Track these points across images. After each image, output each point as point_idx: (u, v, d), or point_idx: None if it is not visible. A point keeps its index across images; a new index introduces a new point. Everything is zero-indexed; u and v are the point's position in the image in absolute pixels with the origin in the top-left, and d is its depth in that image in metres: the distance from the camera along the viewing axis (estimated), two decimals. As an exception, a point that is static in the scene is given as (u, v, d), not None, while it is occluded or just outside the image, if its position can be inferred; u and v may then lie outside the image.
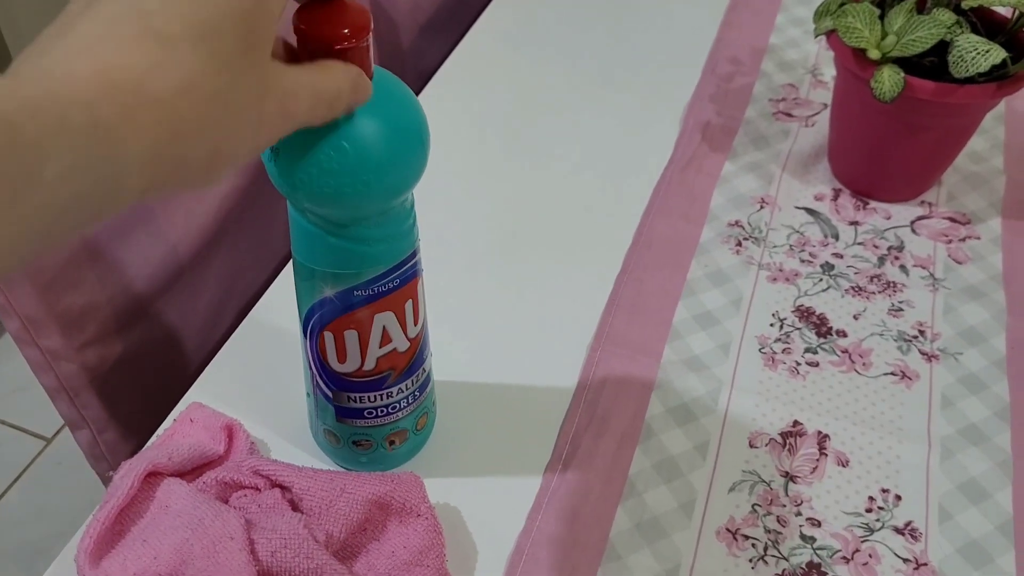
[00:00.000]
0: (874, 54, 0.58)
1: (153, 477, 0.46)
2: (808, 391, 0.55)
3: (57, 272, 0.54)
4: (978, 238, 0.65)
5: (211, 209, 0.65)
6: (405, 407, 0.47)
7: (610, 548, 0.47)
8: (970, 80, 0.58)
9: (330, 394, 0.45)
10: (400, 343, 0.44)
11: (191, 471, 0.47)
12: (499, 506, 0.48)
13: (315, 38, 0.34)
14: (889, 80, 0.57)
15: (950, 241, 0.65)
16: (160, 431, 0.51)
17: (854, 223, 0.66)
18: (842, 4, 0.61)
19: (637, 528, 0.48)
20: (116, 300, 0.58)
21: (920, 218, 0.66)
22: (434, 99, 0.74)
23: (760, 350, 0.57)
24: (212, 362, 0.55)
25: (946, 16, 0.57)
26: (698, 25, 0.83)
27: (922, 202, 0.67)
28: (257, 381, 0.54)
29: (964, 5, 0.57)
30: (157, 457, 0.46)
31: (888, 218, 0.66)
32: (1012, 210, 0.67)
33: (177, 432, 0.50)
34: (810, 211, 0.66)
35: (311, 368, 0.45)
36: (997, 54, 0.55)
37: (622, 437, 0.52)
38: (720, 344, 0.57)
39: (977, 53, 0.55)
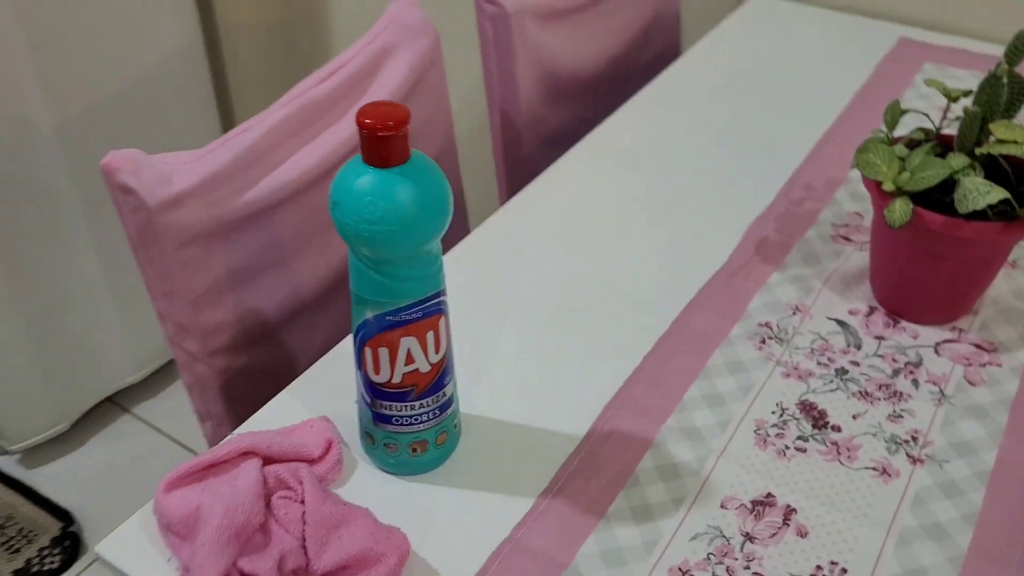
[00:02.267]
0: (888, 187, 0.66)
1: (248, 454, 0.59)
2: (789, 471, 0.62)
3: (204, 291, 0.71)
4: (999, 365, 0.69)
5: (333, 262, 0.81)
6: (426, 421, 0.59)
7: (574, 566, 0.56)
8: (981, 217, 0.64)
9: (369, 400, 0.58)
10: (422, 365, 0.56)
11: (280, 459, 0.60)
12: (493, 517, 0.58)
13: (368, 128, 0.48)
14: (899, 210, 0.65)
15: (969, 364, 0.69)
16: (257, 416, 0.65)
17: (880, 338, 0.72)
18: (883, 144, 0.70)
19: (600, 554, 0.56)
20: (246, 321, 0.74)
21: (946, 341, 0.71)
22: (535, 195, 0.88)
23: (755, 431, 0.64)
24: (307, 372, 0.69)
25: (958, 160, 0.65)
26: (784, 154, 0.93)
27: (953, 327, 0.73)
28: (336, 391, 0.67)
29: (977, 151, 0.65)
30: (259, 443, 0.59)
31: (915, 337, 0.72)
32: (1042, 345, 0.70)
33: (296, 430, 0.62)
34: (840, 322, 0.73)
35: (358, 377, 0.58)
36: (996, 194, 0.61)
37: (609, 481, 0.61)
38: (720, 421, 0.65)
39: (978, 193, 0.62)
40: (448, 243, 0.88)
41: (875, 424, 0.65)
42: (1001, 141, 0.64)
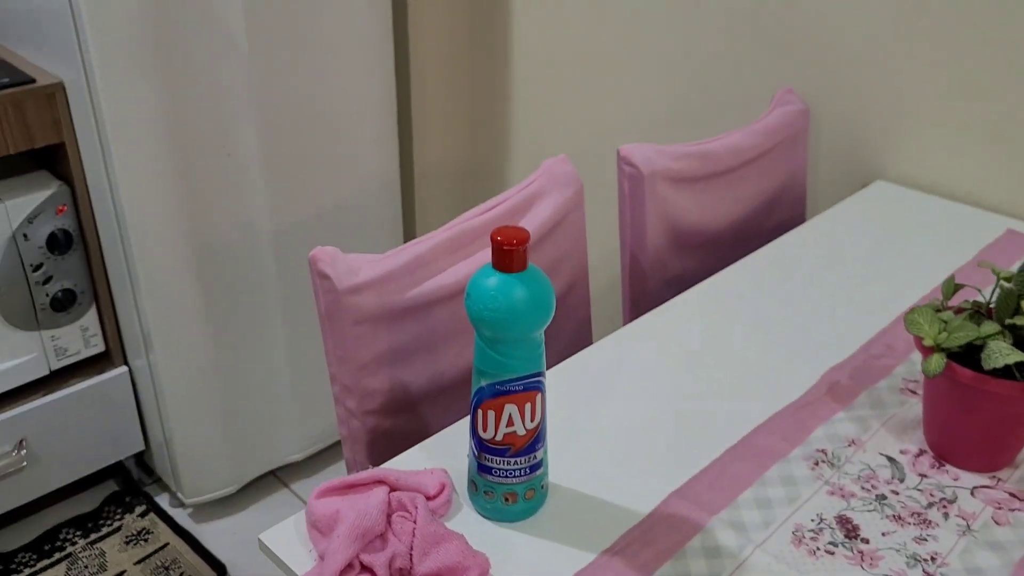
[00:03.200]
0: (927, 342, 0.78)
1: (379, 482, 0.77)
2: (815, 567, 0.73)
3: (368, 362, 0.91)
4: (1029, 513, 0.78)
5: (470, 356, 0.99)
6: (518, 476, 0.74)
7: (618, 608, 0.69)
8: (1009, 377, 0.75)
9: (476, 453, 0.75)
10: (519, 429, 0.72)
11: (403, 490, 0.77)
12: (561, 562, 0.73)
13: (497, 243, 0.67)
14: (935, 363, 0.77)
15: (999, 508, 0.78)
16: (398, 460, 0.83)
17: (923, 475, 0.82)
18: (937, 311, 0.82)
19: (641, 602, 0.69)
20: (395, 392, 0.94)
21: (983, 486, 0.81)
22: (649, 323, 1.04)
23: (794, 532, 0.76)
24: (435, 435, 0.87)
25: (990, 327, 0.77)
26: (876, 316, 1.05)
27: (993, 476, 0.82)
28: (455, 454, 0.84)
29: (1006, 322, 0.76)
30: (389, 475, 0.76)
31: (955, 480, 0.82)
32: (1075, 502, 0.78)
33: (419, 473, 0.78)
34: (890, 458, 0.84)
35: (470, 434, 0.75)
36: (1015, 356, 0.73)
37: (660, 552, 0.74)
38: (764, 520, 0.77)
39: (1000, 354, 0.74)
40: (573, 350, 1.06)
41: (900, 542, 0.75)
42: (1028, 314, 0.75)
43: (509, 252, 0.68)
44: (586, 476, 0.82)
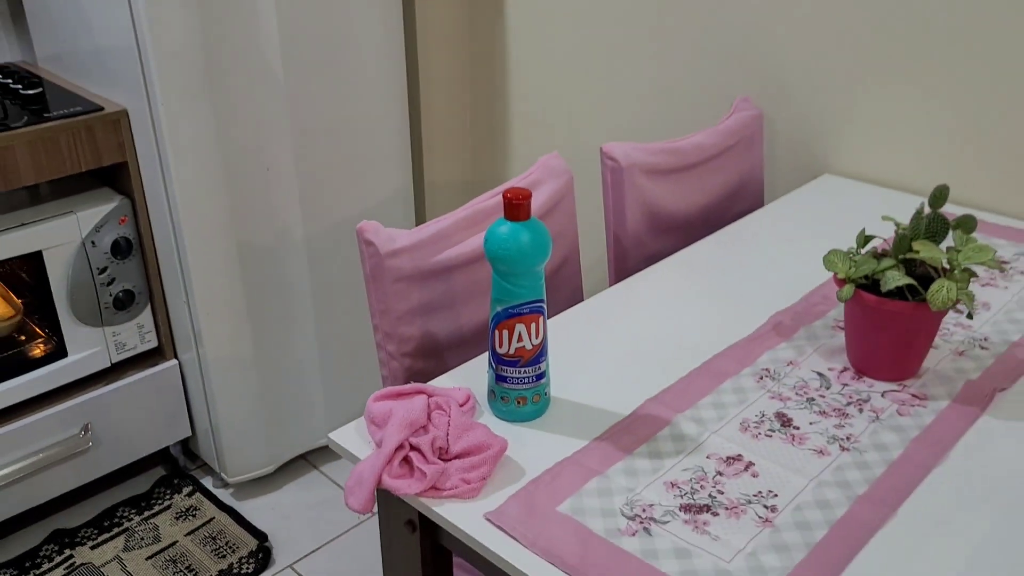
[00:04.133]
0: (840, 275, 1.01)
1: (421, 392, 0.99)
2: (757, 445, 0.95)
3: (403, 314, 1.13)
4: (924, 407, 1.00)
5: (484, 315, 1.22)
6: (526, 383, 0.97)
7: (605, 474, 0.91)
8: (902, 299, 0.98)
9: (493, 366, 0.97)
10: (527, 344, 0.95)
11: (438, 395, 1.00)
12: (561, 446, 0.95)
13: (507, 198, 0.90)
14: (846, 291, 0.99)
15: (903, 404, 1.01)
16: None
17: (844, 384, 1.04)
18: (849, 255, 1.05)
19: (623, 470, 0.91)
20: (425, 339, 1.16)
21: (891, 391, 1.03)
22: (631, 284, 1.27)
23: (740, 423, 0.98)
24: (459, 367, 1.09)
25: (886, 262, 0.99)
26: (818, 275, 1.28)
27: (901, 384, 1.04)
28: (476, 378, 1.06)
29: (899, 257, 0.99)
30: (427, 388, 0.99)
31: (870, 387, 1.04)
32: (963, 398, 1.01)
33: (450, 389, 1.01)
34: (819, 373, 1.06)
35: (489, 352, 0.97)
36: (901, 279, 0.96)
37: (637, 438, 0.96)
38: (718, 416, 0.99)
39: (891, 279, 0.96)
40: (568, 303, 1.29)
41: (823, 429, 0.97)
42: (915, 251, 0.98)
43: (517, 205, 0.91)
44: (581, 391, 1.04)
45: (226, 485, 2.01)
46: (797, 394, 1.03)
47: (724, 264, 1.33)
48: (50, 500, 1.87)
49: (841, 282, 1.01)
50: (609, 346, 1.13)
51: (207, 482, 2.02)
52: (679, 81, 1.79)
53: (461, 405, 0.99)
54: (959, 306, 1.15)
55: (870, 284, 1.01)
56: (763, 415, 1.00)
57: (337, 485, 2.02)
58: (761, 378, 1.06)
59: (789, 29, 1.60)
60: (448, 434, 0.92)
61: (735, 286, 1.27)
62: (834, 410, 1.00)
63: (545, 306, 0.95)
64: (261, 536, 1.86)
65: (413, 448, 0.91)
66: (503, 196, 0.91)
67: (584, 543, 0.82)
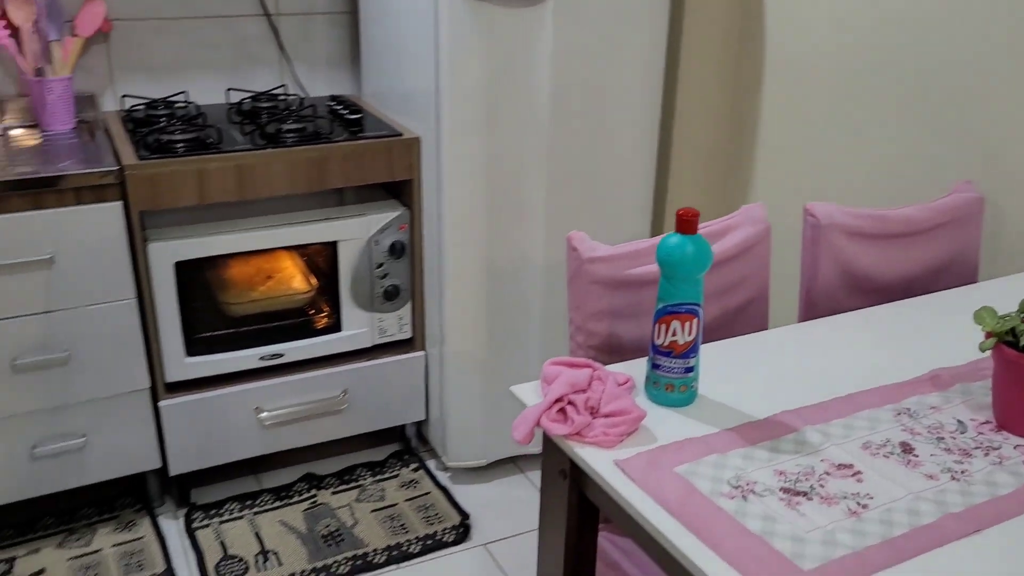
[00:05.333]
0: (985, 328, 1.09)
1: (588, 366, 1.20)
2: (872, 460, 1.05)
3: (593, 313, 1.35)
4: (1054, 463, 1.05)
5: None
6: (676, 373, 1.14)
7: (728, 454, 1.06)
8: (1042, 356, 1.05)
9: (652, 355, 1.16)
10: (680, 339, 1.13)
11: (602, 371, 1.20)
12: (694, 429, 1.11)
13: (679, 216, 1.10)
14: (987, 343, 1.08)
15: (1031, 456, 1.06)
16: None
17: (980, 432, 1.11)
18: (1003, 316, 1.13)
19: (743, 453, 1.06)
20: (609, 339, 1.37)
21: (1026, 445, 1.09)
22: (811, 329, 1.39)
23: (864, 443, 1.09)
24: (624, 362, 1.28)
25: (1032, 319, 1.07)
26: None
27: (1037, 441, 1.09)
28: (636, 369, 1.25)
29: (1046, 317, 1.06)
30: (595, 364, 1.20)
31: (1006, 438, 1.10)
32: (1096, 463, 1.04)
33: (615, 372, 1.22)
34: (959, 420, 1.14)
35: (650, 343, 1.16)
36: (1040, 337, 1.03)
37: (763, 435, 1.10)
38: (845, 435, 1.10)
39: (1028, 334, 1.04)
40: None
41: (941, 461, 1.05)
42: (1060, 313, 1.05)
43: (686, 221, 1.10)
44: (728, 396, 1.20)
45: (445, 468, 2.30)
46: (929, 432, 1.12)
47: (908, 323, 1.41)
48: (308, 446, 2.26)
49: (988, 335, 1.10)
50: (766, 366, 1.27)
51: (431, 464, 2.32)
52: (902, 160, 1.88)
53: (620, 384, 1.18)
54: None
55: (1015, 341, 1.09)
56: (888, 441, 1.10)
57: (537, 489, 2.24)
58: (899, 414, 1.15)
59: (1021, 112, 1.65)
60: (601, 398, 1.12)
61: (909, 341, 1.35)
62: (960, 450, 1.08)
63: (700, 310, 1.13)
64: (464, 515, 2.12)
65: (571, 403, 1.12)
66: (677, 213, 1.11)
67: (688, 494, 0.98)
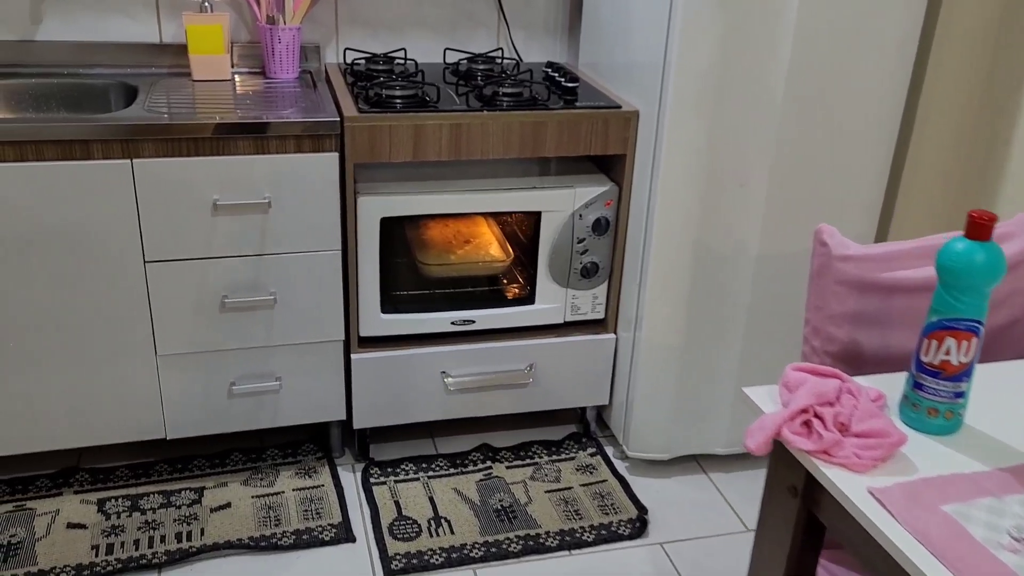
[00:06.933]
0: None
1: (836, 376, 1.07)
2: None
3: (834, 315, 1.21)
4: None
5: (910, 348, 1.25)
6: (942, 397, 1.00)
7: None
8: None
9: (914, 371, 1.02)
10: (953, 359, 0.99)
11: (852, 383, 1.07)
12: (947, 464, 0.97)
13: (971, 219, 0.96)
14: None
15: None
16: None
17: None
18: None
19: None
20: (848, 346, 1.23)
21: None
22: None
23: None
24: (873, 376, 1.15)
25: None
26: None
27: None
28: (894, 383, 1.11)
29: None
30: (843, 375, 1.07)
31: None
32: None
33: (865, 386, 1.10)
34: None
35: (914, 357, 1.03)
36: None
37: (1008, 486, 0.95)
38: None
39: None
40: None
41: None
42: None
43: (980, 225, 0.96)
44: (1000, 428, 1.05)
45: (624, 457, 2.21)
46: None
47: None
48: (488, 417, 2.23)
49: None
50: (1042, 402, 1.11)
51: (609, 450, 2.24)
52: None
53: (873, 401, 1.05)
54: None
55: None
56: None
57: (720, 493, 2.13)
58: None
59: None
60: (852, 415, 1.00)
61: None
62: None
63: (982, 328, 0.99)
64: (643, 509, 2.03)
65: (817, 416, 1.01)
66: (968, 214, 0.97)
67: (959, 539, 0.85)
